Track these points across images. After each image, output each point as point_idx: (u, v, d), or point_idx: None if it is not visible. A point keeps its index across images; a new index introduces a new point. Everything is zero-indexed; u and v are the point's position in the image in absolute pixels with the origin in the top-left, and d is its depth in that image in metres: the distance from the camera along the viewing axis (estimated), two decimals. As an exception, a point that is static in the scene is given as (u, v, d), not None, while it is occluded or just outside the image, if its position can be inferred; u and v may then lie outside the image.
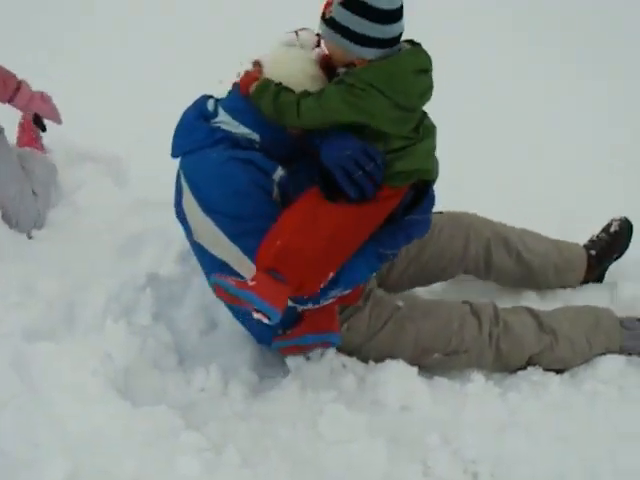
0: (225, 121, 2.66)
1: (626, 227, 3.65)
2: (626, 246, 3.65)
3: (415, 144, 2.60)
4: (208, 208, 2.62)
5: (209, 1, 6.53)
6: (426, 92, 2.61)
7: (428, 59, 2.61)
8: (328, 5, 2.50)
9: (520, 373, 3.04)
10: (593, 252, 3.59)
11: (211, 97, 2.79)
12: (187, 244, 3.21)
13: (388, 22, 2.46)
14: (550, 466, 2.64)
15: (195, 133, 2.69)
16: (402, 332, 2.94)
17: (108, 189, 3.64)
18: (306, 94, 2.52)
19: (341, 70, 2.58)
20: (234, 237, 2.62)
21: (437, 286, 3.48)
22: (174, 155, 2.78)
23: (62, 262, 3.26)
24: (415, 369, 2.91)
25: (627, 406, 2.90)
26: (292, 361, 2.95)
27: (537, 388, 2.94)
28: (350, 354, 2.99)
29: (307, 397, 2.76)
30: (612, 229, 3.65)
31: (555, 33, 6.48)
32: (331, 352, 2.97)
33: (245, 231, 2.60)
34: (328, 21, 2.49)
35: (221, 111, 2.69)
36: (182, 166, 2.72)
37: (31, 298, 3.03)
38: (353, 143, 2.49)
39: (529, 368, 3.05)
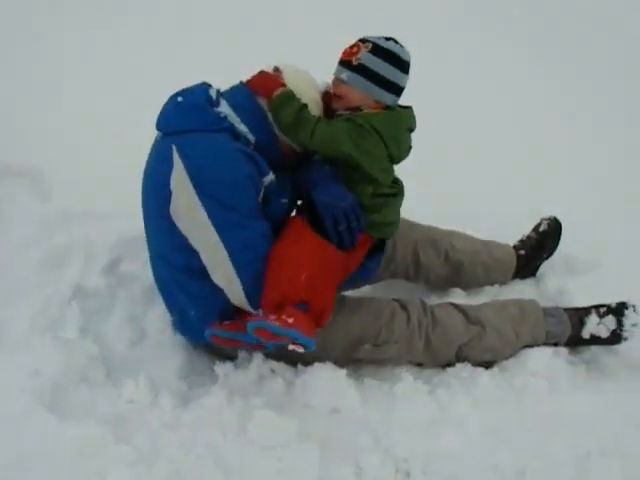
0: (228, 113, 2.72)
1: (555, 226, 3.72)
2: (555, 245, 3.72)
3: (396, 195, 2.95)
4: (202, 189, 2.60)
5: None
6: (409, 149, 2.96)
7: (415, 121, 2.95)
8: (351, 54, 2.79)
9: (449, 370, 3.07)
10: (523, 252, 3.66)
11: (211, 86, 2.82)
12: (113, 256, 3.20)
13: (407, 72, 2.85)
14: (481, 460, 2.66)
15: (202, 115, 2.70)
16: (333, 326, 2.91)
17: (31, 203, 3.56)
18: (321, 120, 2.77)
19: (343, 112, 2.84)
20: (218, 223, 2.61)
21: (365, 289, 3.51)
22: (167, 130, 2.75)
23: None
24: (344, 371, 2.91)
25: (556, 397, 2.94)
26: (220, 368, 2.95)
27: (466, 384, 2.97)
28: (279, 357, 2.99)
29: (236, 404, 2.74)
30: (541, 228, 3.72)
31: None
32: (259, 358, 2.97)
33: (230, 221, 2.62)
34: (356, 67, 2.77)
35: (223, 102, 2.75)
36: (178, 143, 2.65)
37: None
38: (347, 197, 2.73)
39: (458, 365, 3.09)
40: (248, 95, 2.78)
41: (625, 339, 3.16)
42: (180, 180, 2.62)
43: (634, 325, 3.15)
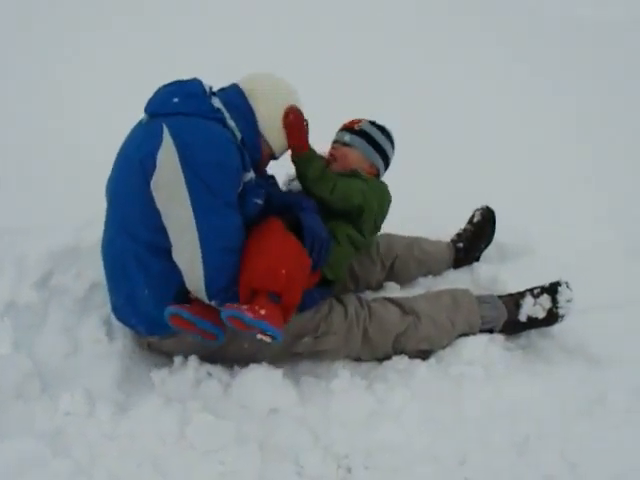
0: (220, 107, 2.80)
1: (488, 215, 3.77)
2: (492, 234, 3.78)
3: (358, 250, 3.28)
4: (189, 166, 2.62)
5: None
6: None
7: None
8: (353, 123, 3.36)
9: (386, 363, 3.10)
10: (460, 245, 3.71)
11: (202, 82, 2.89)
12: (44, 269, 3.16)
13: (394, 149, 3.42)
14: (422, 450, 2.68)
15: (199, 101, 2.78)
16: None
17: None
18: (339, 177, 3.14)
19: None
20: (198, 204, 2.63)
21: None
22: (158, 111, 2.78)
23: None
24: (280, 370, 2.92)
25: (493, 384, 2.98)
26: (156, 375, 2.93)
27: (404, 376, 3.00)
28: (215, 356, 3.01)
29: (174, 409, 2.72)
30: (475, 219, 3.77)
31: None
32: (195, 361, 2.96)
33: (210, 205, 2.64)
34: (358, 132, 3.33)
35: (216, 99, 2.82)
36: (169, 123, 2.69)
37: None
38: (326, 230, 2.95)
39: (395, 358, 3.11)
40: (240, 95, 2.88)
41: (561, 317, 3.23)
42: (168, 155, 2.64)
43: (568, 301, 3.22)
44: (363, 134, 3.32)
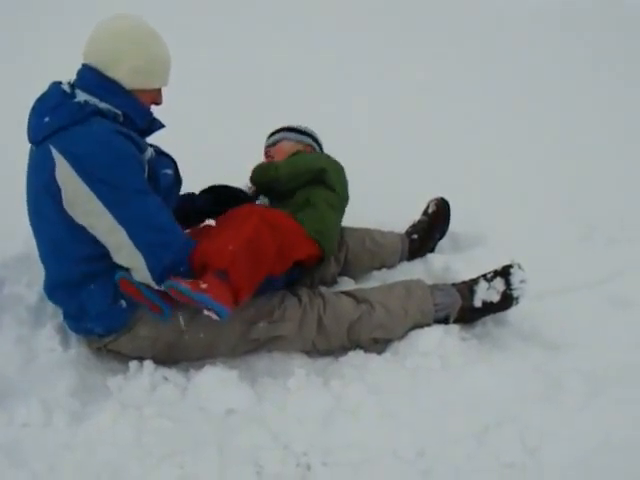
0: (86, 99, 2.78)
1: (443, 207, 3.78)
2: (446, 225, 3.79)
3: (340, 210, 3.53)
4: (87, 175, 2.65)
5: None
6: None
7: None
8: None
9: (342, 359, 3.10)
10: (415, 236, 3.73)
11: (60, 82, 2.86)
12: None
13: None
14: (381, 445, 2.68)
15: (65, 110, 2.75)
16: None
17: None
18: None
19: None
20: (111, 205, 2.67)
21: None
22: (39, 138, 2.76)
23: None
24: (236, 372, 2.92)
25: (448, 374, 3.00)
26: (112, 382, 2.92)
27: (360, 371, 3.00)
28: (173, 350, 3.01)
29: (130, 415, 2.72)
30: (430, 210, 3.79)
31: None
32: (150, 367, 2.96)
33: (122, 200, 2.68)
34: (277, 130, 3.80)
35: (79, 92, 2.80)
36: (54, 143, 2.70)
37: None
38: None
39: (350, 353, 3.12)
40: (94, 74, 2.83)
41: (516, 299, 3.24)
42: (65, 173, 2.67)
43: (522, 281, 3.24)
44: (281, 130, 3.78)
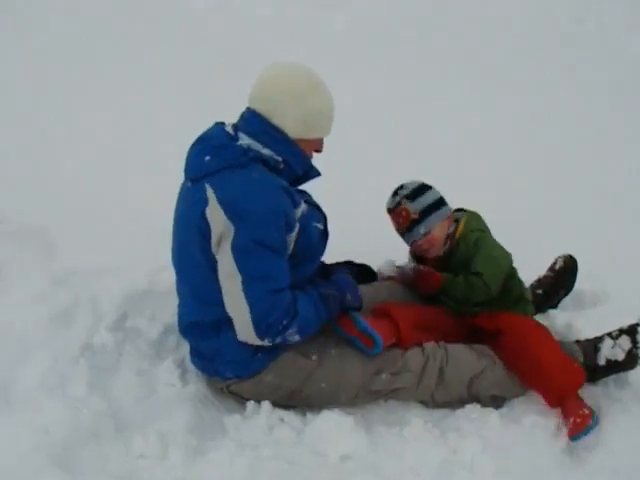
0: (249, 143, 2.81)
1: (570, 264, 3.71)
2: (572, 282, 3.71)
3: None
4: (235, 220, 2.69)
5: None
6: None
7: None
8: (404, 217, 3.26)
9: (459, 412, 3.05)
10: (540, 291, 3.66)
11: (224, 123, 2.92)
12: (119, 312, 3.21)
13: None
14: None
15: (228, 152, 2.80)
16: (350, 356, 3.01)
17: (37, 261, 3.58)
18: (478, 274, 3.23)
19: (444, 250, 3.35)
20: (239, 251, 2.70)
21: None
22: (197, 175, 2.82)
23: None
24: (352, 418, 2.90)
25: (565, 433, 2.93)
26: (229, 421, 2.94)
27: (477, 425, 2.95)
28: (292, 398, 3.01)
29: (246, 456, 2.73)
30: (557, 266, 3.71)
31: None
32: (267, 407, 2.97)
33: (253, 251, 2.70)
34: (415, 220, 3.24)
35: (242, 135, 2.83)
36: (211, 182, 2.75)
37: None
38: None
39: (467, 406, 3.06)
40: (260, 120, 2.85)
41: None
42: (215, 212, 2.71)
43: None
44: (419, 214, 3.23)
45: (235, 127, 2.89)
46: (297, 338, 2.81)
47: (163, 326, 3.28)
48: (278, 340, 2.78)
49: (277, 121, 2.83)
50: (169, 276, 3.23)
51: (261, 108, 2.85)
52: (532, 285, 3.71)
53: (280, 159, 2.85)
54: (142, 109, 5.37)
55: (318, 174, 3.04)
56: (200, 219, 2.75)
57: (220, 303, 2.81)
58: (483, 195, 3.97)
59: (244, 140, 2.82)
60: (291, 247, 2.82)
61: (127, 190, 4.24)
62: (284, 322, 2.74)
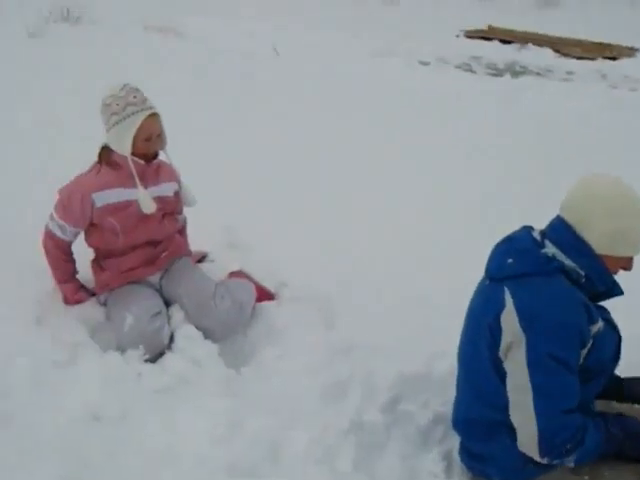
0: (554, 252, 2.75)
1: None
2: None
3: None
4: (529, 330, 2.63)
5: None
6: None
7: None
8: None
9: None
10: None
11: (532, 228, 2.89)
12: (392, 393, 3.22)
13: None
14: None
15: (531, 258, 2.77)
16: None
17: (317, 330, 3.69)
18: None
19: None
20: (534, 365, 2.62)
21: None
22: (498, 276, 2.81)
23: (268, 400, 3.29)
24: None
25: None
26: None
27: None
28: None
29: None
30: None
31: None
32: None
33: (546, 366, 2.62)
34: None
35: (548, 243, 2.78)
36: (510, 286, 2.73)
37: (237, 434, 3.08)
38: None
39: None
40: (568, 231, 2.77)
41: None
42: (509, 319, 2.67)
43: None
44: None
45: (543, 233, 2.84)
46: (572, 465, 2.71)
47: (434, 414, 3.23)
48: (556, 462, 2.68)
49: (585, 234, 2.73)
50: (446, 363, 3.22)
51: (570, 218, 2.77)
52: None
53: (583, 273, 2.75)
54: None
55: (621, 292, 2.89)
56: (494, 321, 2.72)
57: (500, 407, 2.74)
58: None
59: (549, 248, 2.76)
60: (580, 362, 2.71)
61: (410, 274, 4.26)
62: (568, 446, 2.63)
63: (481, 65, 10.61)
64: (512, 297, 2.68)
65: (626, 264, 2.81)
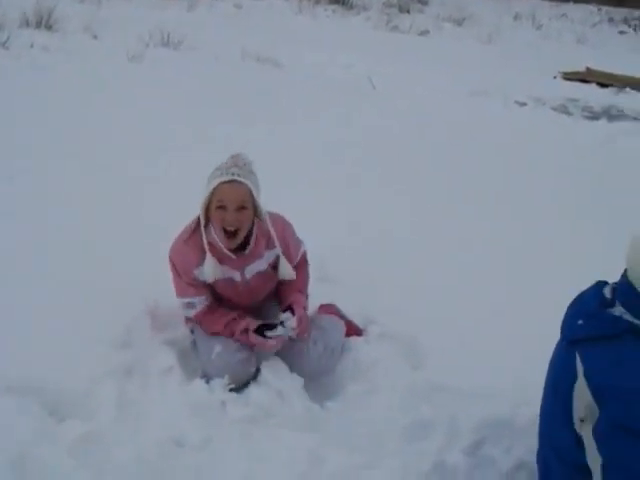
0: (622, 313, 2.65)
1: None
2: None
3: None
4: (599, 398, 2.55)
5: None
6: None
7: None
8: None
9: None
10: None
11: (606, 283, 2.81)
12: (476, 436, 3.19)
13: None
14: None
15: (596, 322, 2.69)
16: None
17: (403, 369, 3.68)
18: None
19: None
20: (602, 433, 2.54)
21: None
22: (570, 338, 2.75)
23: (351, 436, 3.30)
24: None
25: None
26: None
27: None
28: None
29: None
30: None
31: None
32: None
33: (615, 436, 2.52)
34: None
35: (618, 302, 2.69)
36: (581, 352, 2.67)
37: (317, 470, 3.09)
38: None
39: None
40: (632, 289, 2.65)
41: None
42: (581, 387, 2.59)
43: None
44: None
45: (614, 290, 2.75)
46: None
47: (517, 461, 3.18)
48: None
49: None
50: (530, 411, 3.16)
51: (633, 276, 2.68)
52: None
53: None
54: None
55: None
56: (567, 393, 2.64)
57: (580, 466, 2.66)
58: None
59: (617, 309, 2.67)
60: None
61: (497, 319, 4.22)
62: None
63: (577, 108, 10.45)
64: (582, 364, 2.60)
65: None
